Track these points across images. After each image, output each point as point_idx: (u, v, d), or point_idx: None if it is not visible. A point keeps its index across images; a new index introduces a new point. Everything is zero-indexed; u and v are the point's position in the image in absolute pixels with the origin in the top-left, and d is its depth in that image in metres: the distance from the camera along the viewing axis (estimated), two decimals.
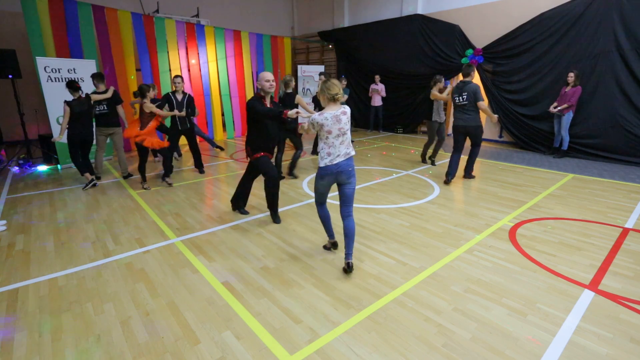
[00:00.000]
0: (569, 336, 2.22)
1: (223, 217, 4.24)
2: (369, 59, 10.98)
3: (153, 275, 2.96)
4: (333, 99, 2.88)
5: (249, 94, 10.31)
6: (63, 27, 6.91)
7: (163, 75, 8.45)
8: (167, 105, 5.59)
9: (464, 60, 8.80)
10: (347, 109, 2.96)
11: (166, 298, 2.65)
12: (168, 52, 8.49)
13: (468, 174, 5.70)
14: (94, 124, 5.59)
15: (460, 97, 5.14)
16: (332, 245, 3.39)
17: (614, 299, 2.60)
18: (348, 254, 2.96)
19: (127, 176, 5.95)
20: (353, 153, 3.01)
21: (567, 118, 6.85)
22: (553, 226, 3.87)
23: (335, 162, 2.89)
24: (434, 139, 6.53)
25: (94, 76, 5.62)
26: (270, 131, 3.87)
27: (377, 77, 10.30)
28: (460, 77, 5.23)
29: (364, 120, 11.36)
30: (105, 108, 5.65)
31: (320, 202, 3.20)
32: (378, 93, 10.32)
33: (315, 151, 6.90)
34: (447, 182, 5.44)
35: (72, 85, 5.15)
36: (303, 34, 13.45)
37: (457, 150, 5.41)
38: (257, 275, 2.95)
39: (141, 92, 5.11)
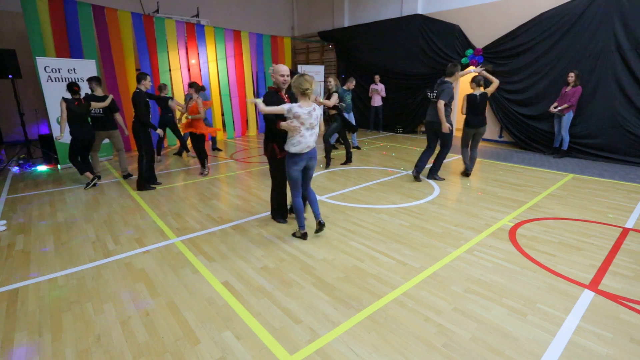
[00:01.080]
0: (569, 336, 2.22)
1: (223, 217, 4.23)
2: (369, 59, 10.99)
3: (153, 275, 2.96)
4: (303, 94, 3.27)
5: (249, 94, 10.32)
6: (63, 27, 6.91)
7: (163, 75, 8.46)
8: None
9: (464, 60, 8.81)
10: (318, 107, 3.40)
11: (166, 298, 2.65)
12: (168, 52, 8.50)
13: (433, 174, 5.64)
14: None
15: (432, 94, 5.38)
16: (302, 236, 3.62)
17: (614, 299, 2.60)
18: (318, 214, 3.63)
19: (126, 176, 5.94)
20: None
21: (567, 118, 6.85)
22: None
23: (305, 151, 3.35)
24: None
25: (91, 80, 5.52)
26: None
27: (377, 77, 10.30)
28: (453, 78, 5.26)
29: (364, 120, 11.37)
30: (101, 112, 5.63)
31: (297, 190, 3.54)
32: (378, 93, 10.32)
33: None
34: (415, 175, 5.61)
35: (71, 88, 5.18)
36: (303, 34, 13.45)
37: (428, 148, 5.59)
38: (257, 275, 2.95)
39: (196, 89, 5.91)
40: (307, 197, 3.68)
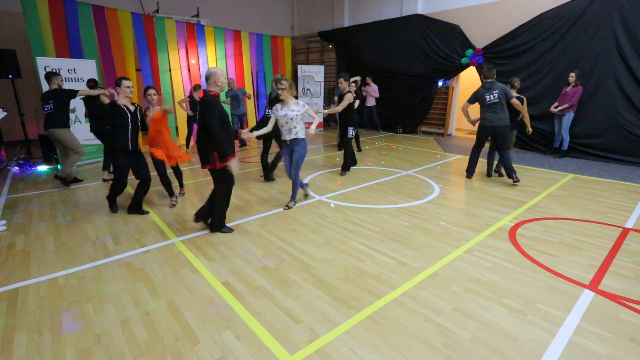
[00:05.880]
0: (569, 336, 2.22)
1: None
2: (369, 59, 10.99)
3: (153, 275, 2.96)
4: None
5: (249, 94, 10.30)
6: (63, 27, 6.91)
7: (163, 75, 8.45)
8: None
9: (464, 60, 8.81)
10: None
11: (166, 298, 2.64)
12: (168, 52, 8.49)
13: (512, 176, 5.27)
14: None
15: (491, 96, 5.16)
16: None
17: (614, 299, 2.60)
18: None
19: (68, 180, 5.49)
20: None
21: (568, 118, 6.85)
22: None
23: None
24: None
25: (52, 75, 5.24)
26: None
27: (369, 79, 10.38)
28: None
29: (362, 120, 11.46)
30: (51, 107, 5.18)
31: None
32: (371, 94, 10.39)
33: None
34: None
35: (87, 84, 5.44)
36: (303, 34, 13.45)
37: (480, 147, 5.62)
38: (257, 275, 2.95)
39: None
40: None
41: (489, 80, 5.23)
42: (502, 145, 5.24)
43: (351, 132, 5.89)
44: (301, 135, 4.21)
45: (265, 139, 5.50)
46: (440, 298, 2.62)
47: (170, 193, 4.69)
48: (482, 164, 6.43)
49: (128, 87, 4.06)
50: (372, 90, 10.33)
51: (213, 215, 3.77)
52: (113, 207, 4.44)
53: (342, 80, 5.73)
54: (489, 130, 5.28)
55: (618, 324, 2.33)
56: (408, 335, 2.24)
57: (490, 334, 2.24)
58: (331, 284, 2.81)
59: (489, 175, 5.91)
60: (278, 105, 4.20)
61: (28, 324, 2.38)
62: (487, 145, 6.18)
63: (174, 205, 4.61)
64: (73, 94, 5.18)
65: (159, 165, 4.44)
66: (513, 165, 5.40)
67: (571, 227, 3.89)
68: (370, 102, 10.54)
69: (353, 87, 6.94)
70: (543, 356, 2.06)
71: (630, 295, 2.63)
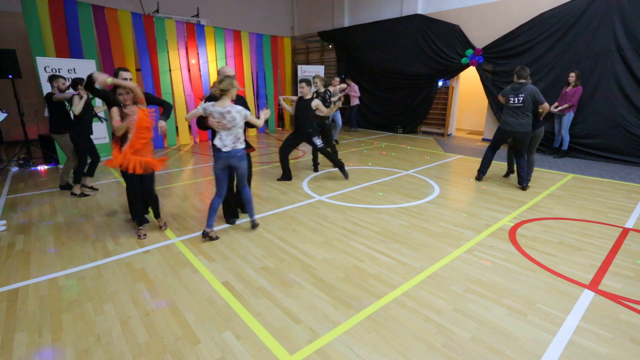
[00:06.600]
0: (569, 336, 2.22)
1: (223, 217, 4.22)
2: (369, 59, 10.99)
3: (153, 275, 2.96)
4: (221, 94, 3.34)
5: (249, 94, 10.32)
6: (63, 27, 6.91)
7: (163, 75, 8.46)
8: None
9: (464, 60, 8.81)
10: (235, 108, 3.36)
11: (166, 298, 2.64)
12: (168, 52, 8.50)
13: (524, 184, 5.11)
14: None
15: (516, 99, 4.84)
16: (204, 235, 3.61)
17: (614, 299, 2.60)
18: (251, 215, 3.81)
19: (64, 186, 5.33)
20: (241, 146, 3.50)
21: (568, 118, 6.85)
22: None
23: (224, 150, 3.42)
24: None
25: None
26: None
27: (349, 80, 10.51)
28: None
29: (362, 120, 11.51)
30: (45, 112, 5.13)
31: (217, 189, 3.60)
32: (352, 95, 10.53)
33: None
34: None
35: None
36: (303, 34, 13.45)
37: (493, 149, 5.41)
38: (257, 275, 2.95)
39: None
40: (242, 193, 3.79)
41: (521, 81, 4.84)
42: (521, 150, 5.02)
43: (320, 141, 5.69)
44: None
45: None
46: (440, 298, 2.62)
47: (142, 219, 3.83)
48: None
49: (125, 79, 3.49)
50: (353, 91, 10.48)
51: None
52: (141, 219, 3.81)
53: (304, 85, 5.48)
54: (507, 135, 5.07)
55: (618, 324, 2.33)
56: (408, 335, 2.24)
57: (490, 334, 2.24)
58: (331, 284, 2.81)
59: (507, 174, 5.77)
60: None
61: (28, 324, 2.38)
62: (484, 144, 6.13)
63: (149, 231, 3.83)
64: (49, 98, 5.01)
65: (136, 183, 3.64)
66: (507, 164, 5.33)
67: (571, 227, 3.89)
68: (354, 101, 10.72)
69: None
70: (543, 356, 2.06)
71: (630, 295, 2.63)
